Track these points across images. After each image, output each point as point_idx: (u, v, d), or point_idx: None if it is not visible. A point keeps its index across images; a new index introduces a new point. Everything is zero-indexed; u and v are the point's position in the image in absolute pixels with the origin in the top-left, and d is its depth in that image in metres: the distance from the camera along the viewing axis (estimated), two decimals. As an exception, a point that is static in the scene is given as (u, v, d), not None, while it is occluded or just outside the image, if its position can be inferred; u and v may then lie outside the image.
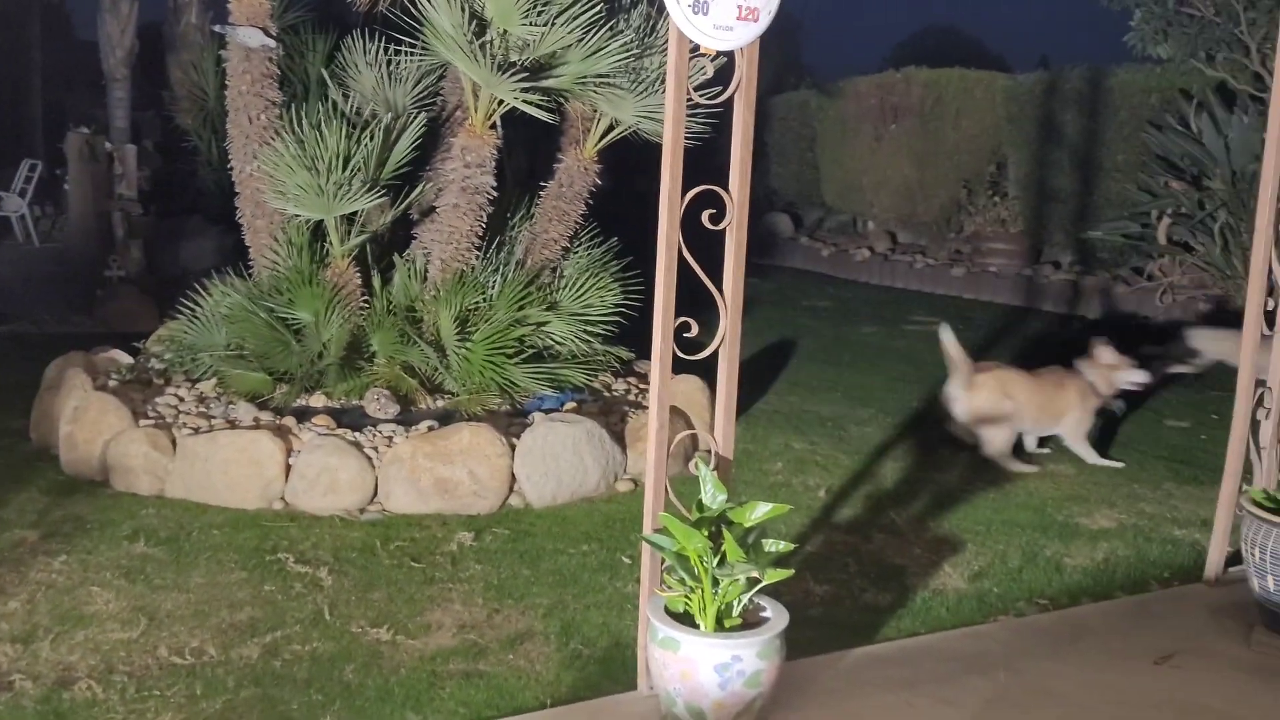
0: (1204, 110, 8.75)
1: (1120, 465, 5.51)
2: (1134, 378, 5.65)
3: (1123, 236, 9.59)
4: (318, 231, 5.65)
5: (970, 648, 3.58)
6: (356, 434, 4.87)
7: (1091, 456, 5.56)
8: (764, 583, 3.01)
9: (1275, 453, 4.12)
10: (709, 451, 3.29)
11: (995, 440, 5.43)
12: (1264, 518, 3.61)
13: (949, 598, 3.96)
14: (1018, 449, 5.54)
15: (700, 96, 3.13)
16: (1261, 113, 4.04)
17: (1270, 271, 4.04)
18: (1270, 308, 4.09)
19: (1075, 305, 9.92)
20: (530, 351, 5.61)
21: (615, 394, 5.84)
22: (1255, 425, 4.10)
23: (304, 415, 5.04)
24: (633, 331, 5.56)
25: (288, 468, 4.63)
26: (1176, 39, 8.98)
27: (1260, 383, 4.10)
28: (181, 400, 5.22)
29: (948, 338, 5.52)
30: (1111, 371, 5.62)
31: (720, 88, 3.12)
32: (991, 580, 4.12)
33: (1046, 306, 10.10)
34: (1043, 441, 5.68)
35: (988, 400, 5.44)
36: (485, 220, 5.69)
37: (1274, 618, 3.61)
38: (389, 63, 5.90)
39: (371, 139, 5.46)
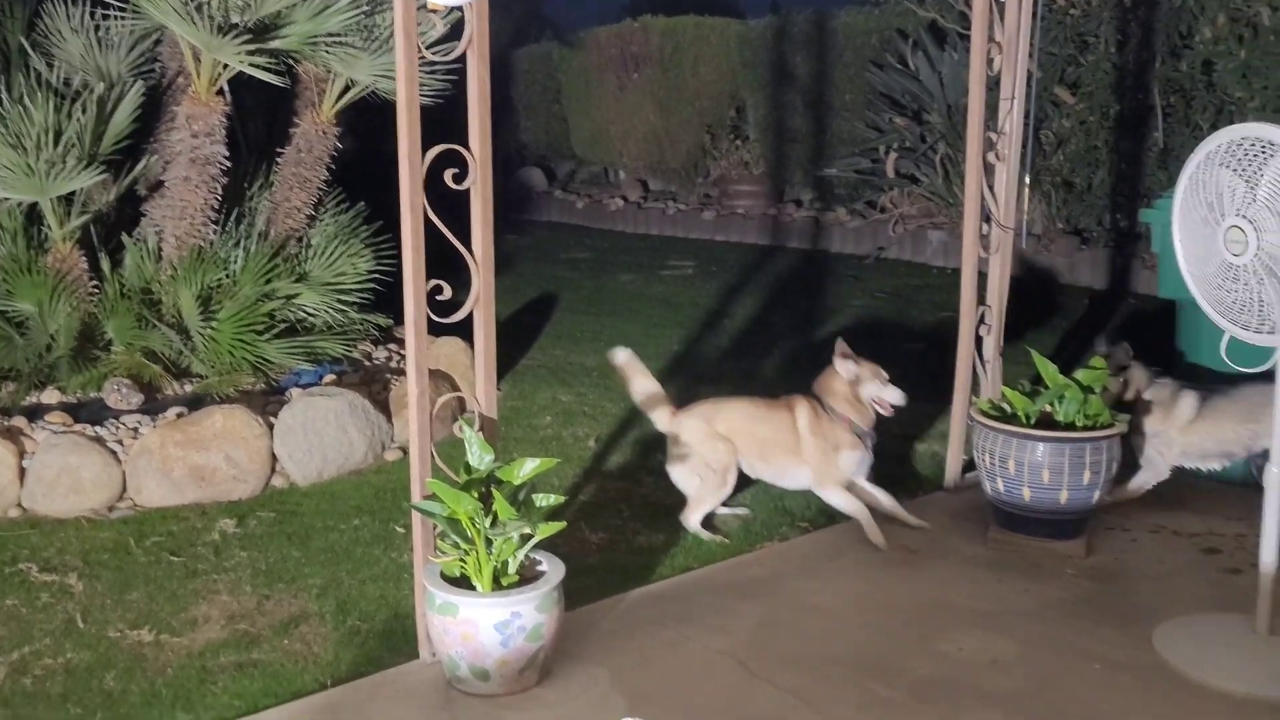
0: (919, 49, 9.29)
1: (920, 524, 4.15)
2: (886, 396, 4.12)
3: (855, 172, 10.09)
4: (33, 215, 5.22)
5: (740, 576, 3.75)
6: (97, 428, 4.57)
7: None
8: (538, 537, 3.05)
9: (997, 365, 4.50)
10: (474, 413, 3.28)
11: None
12: (991, 425, 3.94)
13: (717, 531, 4.11)
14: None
15: (433, 53, 3.08)
16: (969, 49, 4.34)
17: (983, 199, 4.37)
18: (985, 233, 4.43)
19: (818, 241, 10.40)
20: (282, 326, 5.40)
21: (376, 362, 5.71)
22: (979, 342, 4.45)
23: (36, 414, 4.67)
24: (390, 297, 5.44)
25: (22, 471, 4.30)
26: (891, -19, 9.47)
27: (981, 302, 4.44)
28: (-111, 410, 4.74)
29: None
30: (856, 389, 4.12)
31: (455, 43, 3.08)
32: (756, 510, 4.30)
33: (793, 243, 10.54)
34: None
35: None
36: (220, 192, 5.41)
37: (1005, 516, 3.95)
38: (97, 28, 5.48)
39: (85, 111, 5.07)
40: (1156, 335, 5.02)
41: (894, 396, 4.13)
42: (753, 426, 4.20)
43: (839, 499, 4.11)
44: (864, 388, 4.12)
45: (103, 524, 4.20)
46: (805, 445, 4.14)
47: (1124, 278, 7.95)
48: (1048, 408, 3.94)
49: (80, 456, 4.33)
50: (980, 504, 4.13)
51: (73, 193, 5.15)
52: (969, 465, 4.35)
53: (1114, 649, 3.25)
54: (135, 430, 4.59)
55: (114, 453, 4.41)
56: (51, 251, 5.14)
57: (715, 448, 4.14)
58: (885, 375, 4.14)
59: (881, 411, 4.16)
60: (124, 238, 5.41)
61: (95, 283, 5.24)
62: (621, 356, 4.26)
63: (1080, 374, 3.97)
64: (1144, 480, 4.26)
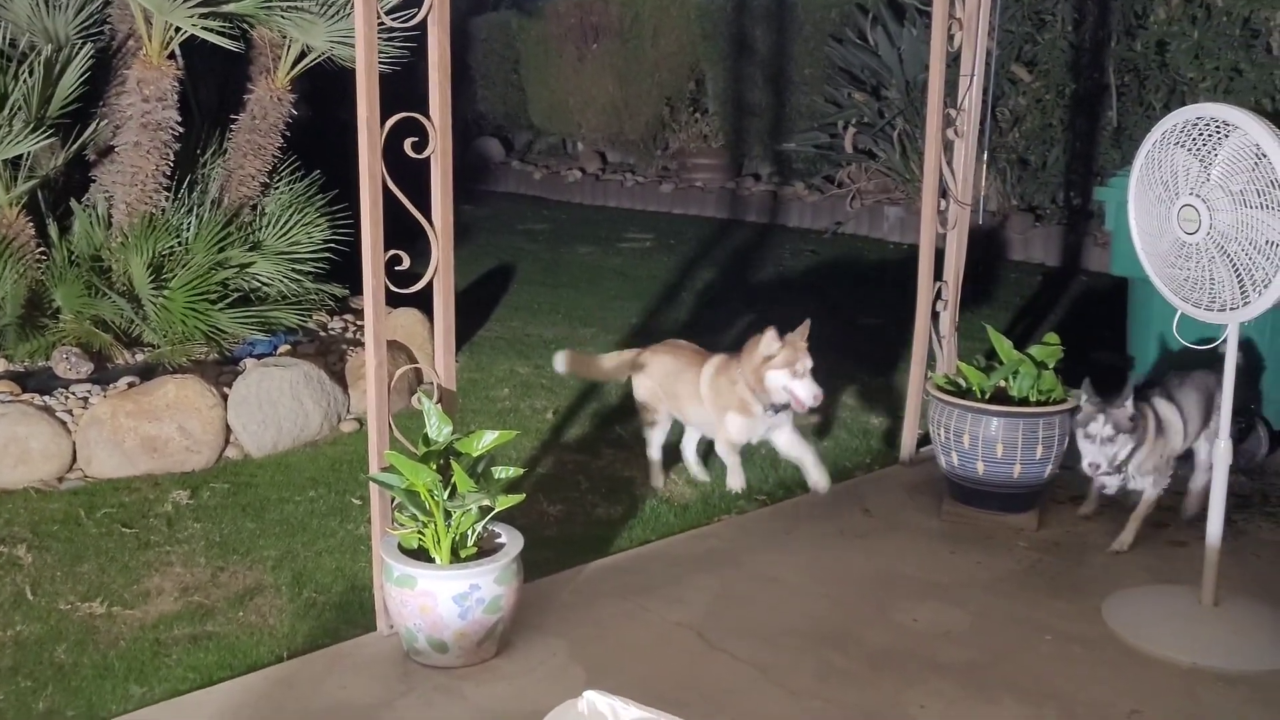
0: (878, 24, 9.30)
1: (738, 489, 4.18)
2: (794, 388, 3.86)
3: (814, 147, 10.11)
4: (-23, 179, 5.10)
5: (698, 548, 3.77)
6: (46, 398, 4.49)
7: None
8: (496, 510, 3.04)
9: (953, 341, 4.54)
10: (432, 384, 3.26)
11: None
12: (946, 400, 3.98)
13: (676, 504, 4.13)
14: None
15: (393, 20, 3.03)
16: (928, 25, 4.36)
17: (941, 175, 4.39)
18: (943, 208, 4.46)
19: (776, 215, 10.41)
20: (236, 295, 5.33)
21: (332, 333, 5.66)
22: (935, 317, 4.48)
23: (-19, 383, 4.59)
24: (346, 268, 5.39)
25: (-33, 442, 4.22)
26: (849, -46, 9.46)
27: (938, 278, 4.47)
28: None
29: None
30: (763, 367, 3.89)
31: (414, 10, 3.03)
32: (714, 483, 4.32)
33: (750, 217, 10.55)
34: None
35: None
36: (172, 158, 5.31)
37: (959, 489, 4.00)
38: (44, -12, 5.34)
39: (31, 73, 4.95)
40: (1108, 312, 5.09)
41: (802, 391, 3.85)
42: (669, 381, 4.25)
43: (728, 458, 4.17)
44: (770, 371, 3.87)
45: (52, 495, 4.14)
46: (705, 401, 4.11)
47: (1076, 255, 8.05)
48: (1002, 383, 3.99)
49: (28, 426, 4.25)
50: (935, 478, 4.18)
51: (19, 157, 5.04)
52: (924, 439, 4.39)
53: (1064, 620, 3.31)
54: (85, 400, 4.52)
55: (63, 423, 4.34)
56: (-3, 217, 5.03)
57: (642, 394, 4.33)
58: (804, 367, 3.85)
59: (793, 406, 3.93)
60: (73, 204, 5.31)
61: (43, 249, 5.13)
62: (561, 363, 4.41)
63: (1034, 350, 4.02)
64: (1159, 492, 3.81)
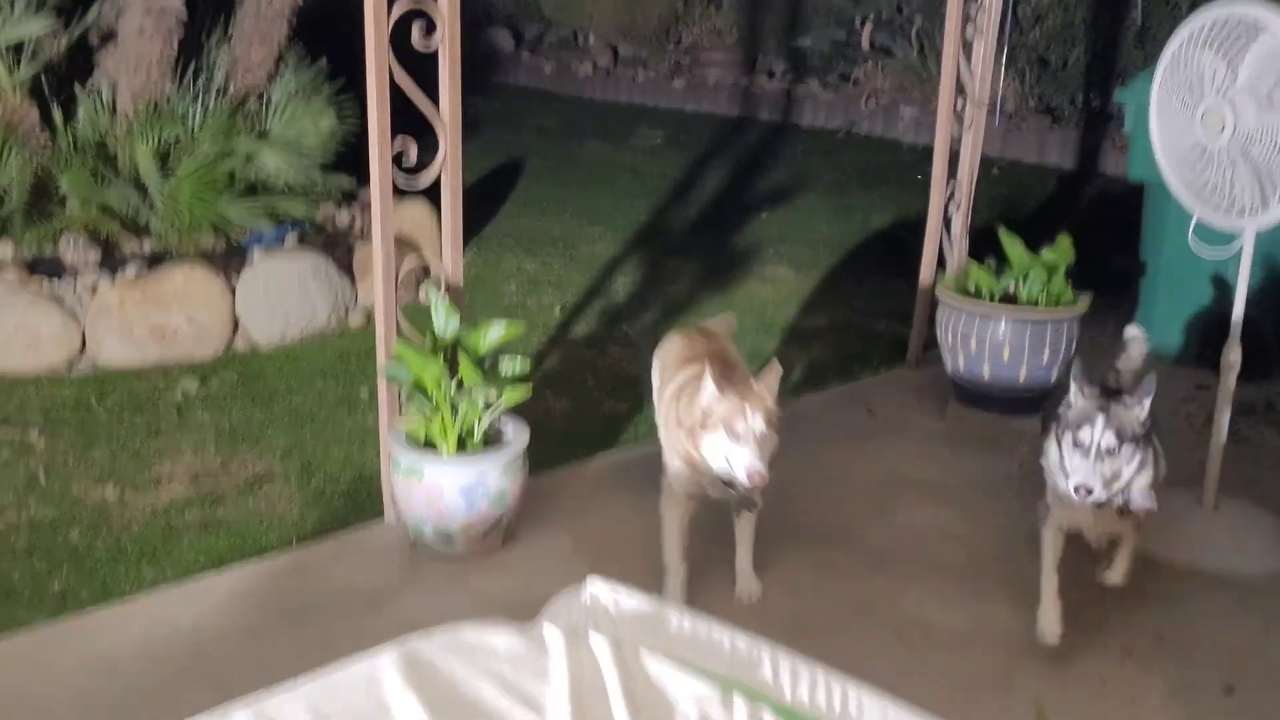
0: (900, -84, 9.04)
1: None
2: (731, 457, 2.62)
3: (830, 43, 9.91)
4: (-21, 63, 5.02)
5: (703, 445, 3.79)
6: (54, 284, 4.50)
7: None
8: (503, 403, 3.06)
9: (964, 244, 4.50)
10: (440, 278, 3.25)
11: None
12: (954, 303, 3.96)
13: (682, 401, 4.14)
14: None
15: (400, -98, 2.95)
16: (950, -83, 4.23)
17: (958, 74, 4.30)
18: (959, 108, 4.38)
19: (789, 113, 10.25)
20: (243, 185, 5.29)
21: (340, 225, 5.62)
22: (947, 220, 4.44)
23: (-10, 269, 4.59)
24: (353, 160, 5.33)
25: (-23, 327, 4.24)
26: None
27: (952, 178, 4.42)
28: None
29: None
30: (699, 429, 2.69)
31: (421, -108, 2.95)
32: (720, 381, 4.33)
33: (763, 115, 10.39)
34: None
35: None
36: (177, 44, 5.22)
37: (964, 392, 4.02)
38: None
39: (32, -47, 4.85)
40: (1123, 216, 5.03)
41: (737, 461, 2.60)
42: (664, 359, 3.19)
43: (666, 518, 2.89)
44: (705, 434, 2.64)
45: (63, 382, 4.17)
46: (663, 409, 2.98)
47: (1094, 158, 7.93)
48: (1012, 286, 3.97)
49: (38, 313, 4.26)
50: (940, 380, 4.19)
51: (21, 42, 4.95)
52: (931, 341, 4.39)
53: (1063, 522, 3.33)
54: (94, 288, 4.52)
55: (72, 310, 4.35)
56: (1, 101, 4.96)
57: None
58: (748, 428, 2.58)
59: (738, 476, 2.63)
60: (77, 89, 5.23)
61: (48, 135, 5.08)
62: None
63: (1046, 253, 3.98)
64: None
